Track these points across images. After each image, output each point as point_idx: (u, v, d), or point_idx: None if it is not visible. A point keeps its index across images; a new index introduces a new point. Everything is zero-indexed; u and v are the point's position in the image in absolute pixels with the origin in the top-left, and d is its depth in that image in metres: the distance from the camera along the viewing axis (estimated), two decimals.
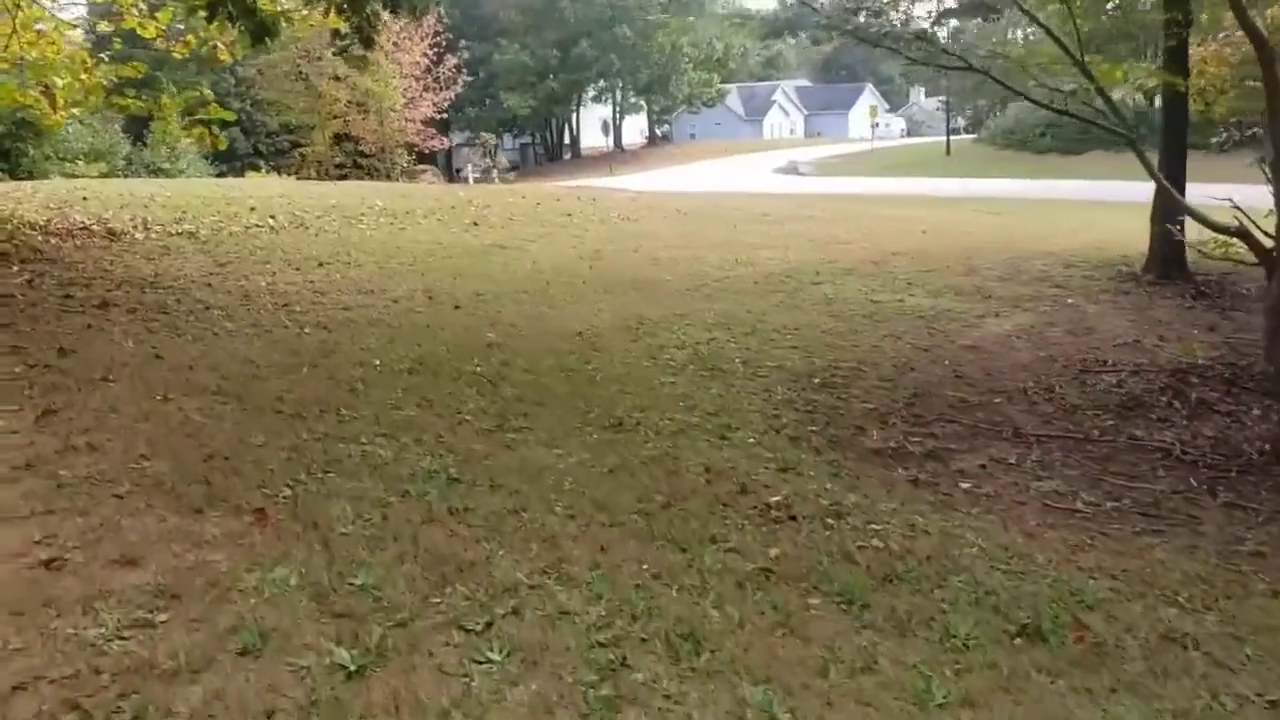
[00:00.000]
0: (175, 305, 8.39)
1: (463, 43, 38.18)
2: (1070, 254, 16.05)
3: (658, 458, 5.32)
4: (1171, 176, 13.77)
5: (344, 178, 32.07)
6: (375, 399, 5.98)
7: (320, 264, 11.26)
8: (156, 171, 35.62)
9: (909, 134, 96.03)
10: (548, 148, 68.11)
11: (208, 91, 10.63)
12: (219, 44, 11.49)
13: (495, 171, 46.11)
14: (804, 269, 13.63)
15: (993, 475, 5.79)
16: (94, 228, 11.76)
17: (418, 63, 34.55)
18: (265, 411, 5.39)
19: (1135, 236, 18.52)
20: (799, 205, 23.44)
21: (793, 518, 4.48)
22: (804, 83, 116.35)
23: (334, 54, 10.21)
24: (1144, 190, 32.64)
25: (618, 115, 66.70)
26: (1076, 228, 20.86)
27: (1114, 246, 17.12)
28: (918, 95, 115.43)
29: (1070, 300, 12.10)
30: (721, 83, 69.11)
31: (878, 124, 62.75)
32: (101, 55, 12.50)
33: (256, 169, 40.25)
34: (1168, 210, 13.63)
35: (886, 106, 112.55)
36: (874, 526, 4.50)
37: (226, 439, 4.84)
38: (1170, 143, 13.62)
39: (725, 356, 8.29)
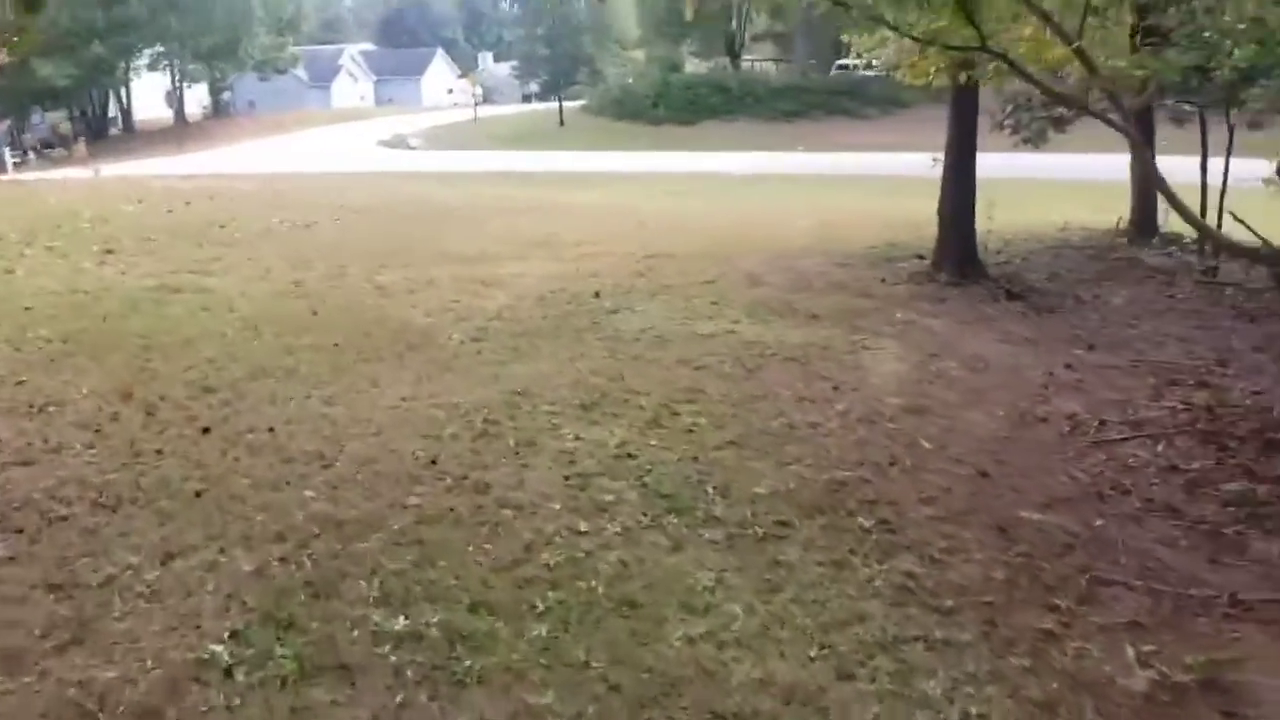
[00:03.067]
0: None
1: None
2: (825, 247, 14.52)
3: None
4: (960, 161, 12.44)
5: None
6: None
7: None
8: None
9: (485, 101, 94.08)
10: (89, 123, 58.45)
11: None
12: None
13: (34, 155, 38.11)
14: (573, 289, 11.06)
15: None
16: None
17: None
18: None
19: (856, 220, 17.57)
20: (474, 194, 20.44)
21: None
22: (369, 47, 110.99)
23: None
24: (798, 161, 32.28)
25: (179, 84, 58.60)
26: (782, 209, 19.62)
27: (852, 235, 15.80)
28: (486, 60, 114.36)
29: (900, 315, 10.44)
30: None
31: (472, 92, 59.94)
32: None
33: None
34: (959, 198, 12.27)
35: (459, 72, 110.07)
36: None
37: None
38: (961, 118, 12.10)
39: (688, 485, 5.52)
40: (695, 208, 20.04)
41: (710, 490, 5.41)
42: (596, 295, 10.78)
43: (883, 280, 12.09)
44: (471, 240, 14.31)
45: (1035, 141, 13.06)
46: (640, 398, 7.16)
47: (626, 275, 12.07)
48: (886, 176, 27.44)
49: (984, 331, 9.95)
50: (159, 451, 5.53)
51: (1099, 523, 5.32)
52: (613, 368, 7.97)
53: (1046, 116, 12.62)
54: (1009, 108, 12.78)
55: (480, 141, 40.79)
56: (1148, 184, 15.49)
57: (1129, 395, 7.75)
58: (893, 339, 9.46)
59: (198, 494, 4.95)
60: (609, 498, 5.24)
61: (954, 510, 5.38)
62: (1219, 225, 12.54)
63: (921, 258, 13.38)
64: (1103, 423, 6.96)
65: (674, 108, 42.45)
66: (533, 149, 36.94)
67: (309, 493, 5.08)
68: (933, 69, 13.40)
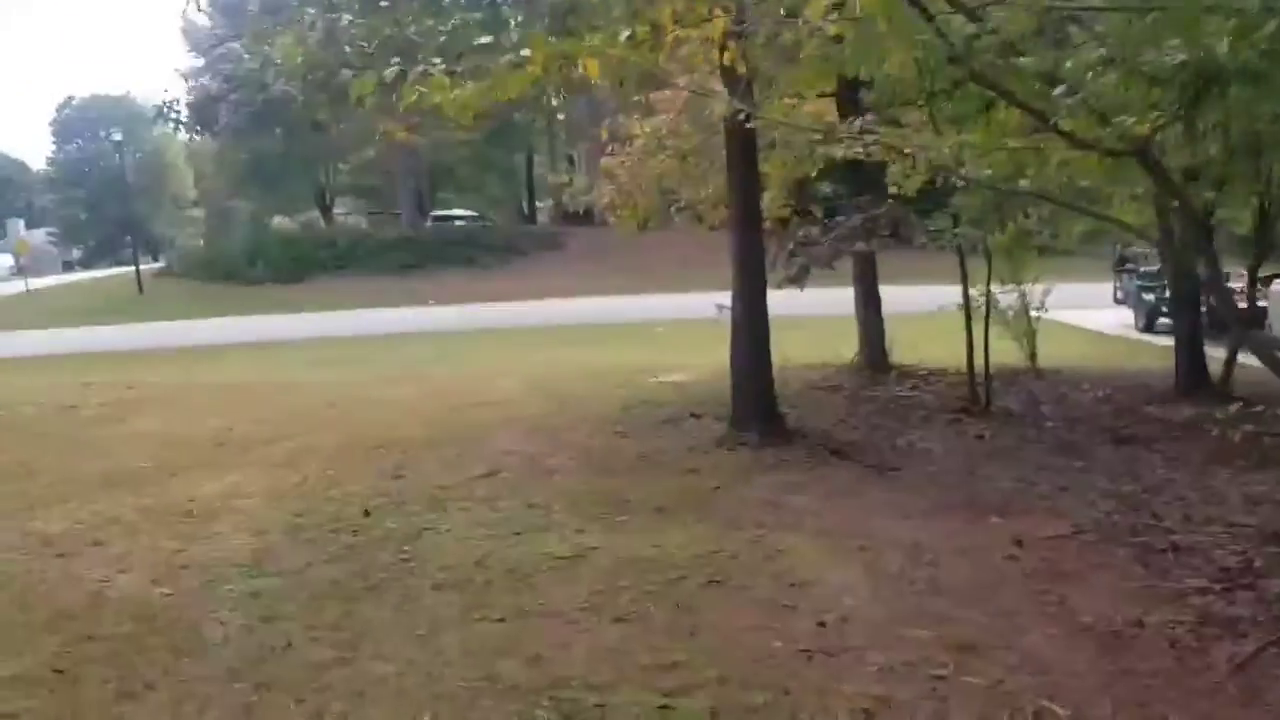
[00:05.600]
0: None
1: None
2: (569, 412, 12.57)
3: None
4: (752, 306, 10.80)
5: None
6: None
7: None
8: None
9: (22, 271, 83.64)
10: None
11: None
12: None
13: None
14: (325, 508, 8.52)
15: None
16: None
17: None
18: None
19: (562, 376, 15.66)
20: (85, 386, 16.25)
21: None
22: None
23: None
24: (440, 316, 30.10)
25: None
26: (470, 370, 17.35)
27: (578, 395, 13.94)
28: (18, 227, 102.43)
29: (752, 495, 8.71)
30: None
31: (17, 260, 52.42)
32: None
33: None
34: (754, 347, 10.63)
35: None
36: None
37: None
38: (748, 260, 10.62)
39: None
40: (370, 376, 17.28)
41: None
42: (367, 514, 8.05)
43: (690, 450, 10.21)
44: (125, 451, 10.80)
45: (800, 282, 11.88)
46: (605, 696, 4.62)
47: (374, 478, 9.38)
48: (541, 326, 26.15)
49: (867, 507, 8.22)
50: None
51: None
52: (507, 640, 5.40)
53: (836, 253, 11.45)
54: (790, 246, 11.50)
55: (43, 318, 34.70)
56: (872, 319, 15.00)
57: (1122, 574, 6.33)
58: (784, 531, 7.47)
59: None
60: None
61: None
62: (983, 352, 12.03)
63: (697, 415, 11.69)
64: (1173, 627, 5.42)
65: (274, 265, 38.62)
66: (116, 322, 31.82)
67: None
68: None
